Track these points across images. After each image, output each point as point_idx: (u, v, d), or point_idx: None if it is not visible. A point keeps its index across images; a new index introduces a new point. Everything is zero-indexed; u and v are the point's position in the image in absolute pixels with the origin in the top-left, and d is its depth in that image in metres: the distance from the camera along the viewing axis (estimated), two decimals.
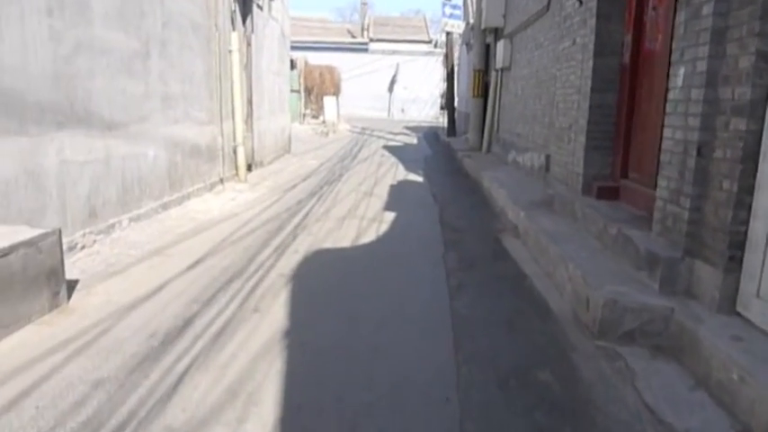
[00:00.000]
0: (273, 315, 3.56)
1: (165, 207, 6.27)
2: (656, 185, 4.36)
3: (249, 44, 9.25)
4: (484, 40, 12.99)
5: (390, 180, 9.58)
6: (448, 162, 12.78)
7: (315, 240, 5.45)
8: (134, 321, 3.42)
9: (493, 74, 11.84)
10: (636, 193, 4.75)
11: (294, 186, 8.73)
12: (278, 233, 5.70)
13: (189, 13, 6.88)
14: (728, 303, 3.02)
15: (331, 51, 33.35)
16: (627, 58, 5.04)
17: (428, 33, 38.21)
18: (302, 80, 20.45)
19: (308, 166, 11.11)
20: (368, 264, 4.75)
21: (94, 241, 4.93)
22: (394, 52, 36.13)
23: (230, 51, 8.36)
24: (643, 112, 4.80)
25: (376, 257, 4.96)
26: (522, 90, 9.26)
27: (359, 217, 6.58)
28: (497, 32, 11.71)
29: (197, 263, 4.65)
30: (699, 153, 3.18)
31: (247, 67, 9.27)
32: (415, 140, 18.76)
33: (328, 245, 5.32)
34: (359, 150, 14.74)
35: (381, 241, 5.52)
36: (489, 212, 7.08)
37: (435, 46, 37.45)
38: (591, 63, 5.20)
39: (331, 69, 23.98)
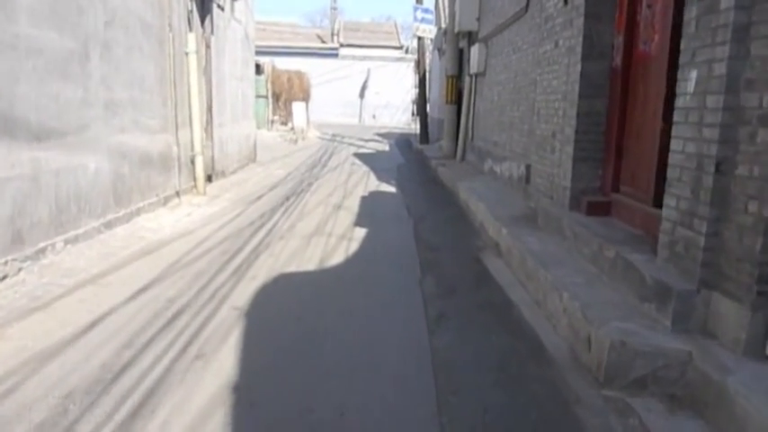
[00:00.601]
0: (220, 363, 2.98)
1: (109, 225, 5.62)
2: (654, 201, 3.93)
3: (208, 46, 8.63)
4: (457, 44, 12.59)
5: (362, 191, 9.05)
6: (421, 171, 12.33)
7: (277, 263, 4.88)
8: (50, 375, 2.81)
9: (467, 79, 11.44)
10: (630, 209, 4.32)
11: (258, 198, 8.13)
12: (236, 254, 5.11)
13: (137, 11, 6.25)
14: (756, 346, 2.57)
15: (300, 56, 32.75)
16: (618, 61, 4.62)
17: (399, 39, 37.92)
18: (269, 85, 19.80)
19: (275, 176, 10.50)
20: (335, 291, 4.20)
21: (20, 269, 4.27)
22: (365, 58, 35.72)
23: (187, 54, 7.74)
24: (637, 120, 4.38)
25: (345, 283, 4.42)
26: (499, 96, 8.85)
27: (327, 234, 6.03)
28: (471, 36, 11.32)
29: (138, 293, 4.04)
30: (717, 169, 2.73)
31: (207, 70, 8.65)
32: (387, 148, 18.28)
33: (292, 268, 4.76)
34: (329, 158, 14.18)
35: (351, 263, 4.98)
36: (467, 227, 6.60)
37: (407, 52, 37.16)
38: (578, 67, 4.77)
39: (300, 75, 23.37)
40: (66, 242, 4.90)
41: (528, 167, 6.78)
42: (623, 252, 3.57)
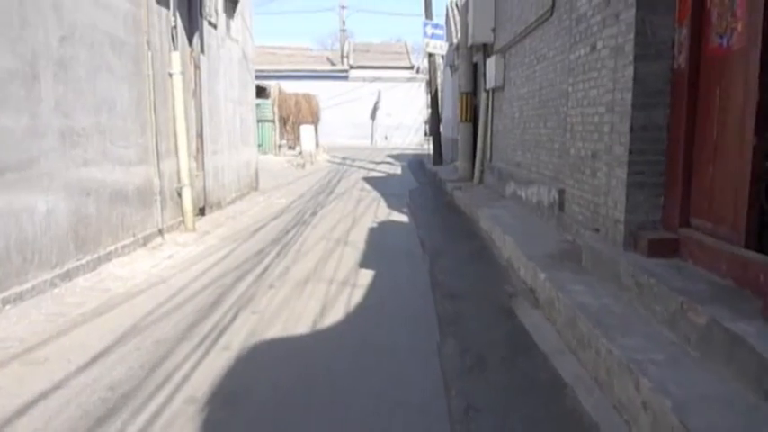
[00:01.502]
0: None
1: (67, 276, 4.73)
2: (747, 240, 2.93)
3: (197, 67, 7.83)
4: (471, 59, 11.72)
5: (370, 221, 8.11)
6: (436, 195, 11.36)
7: (259, 323, 3.93)
8: None
9: (483, 95, 10.53)
10: (711, 250, 3.31)
11: (253, 233, 7.22)
12: (211, 311, 4.18)
13: (104, 26, 5.44)
14: None
15: (310, 80, 32.23)
16: (682, 62, 3.66)
17: (410, 59, 37.31)
18: (276, 109, 19.10)
19: (276, 206, 9.62)
20: (328, 371, 3.23)
21: None
22: (375, 79, 35.07)
23: (171, 75, 6.92)
24: (712, 135, 3.40)
25: (343, 355, 3.44)
26: (521, 112, 7.91)
27: (326, 279, 5.07)
28: (486, 49, 10.44)
29: (74, 375, 3.12)
30: None
31: (196, 93, 7.83)
32: (398, 170, 17.38)
33: (276, 331, 3.81)
34: (336, 183, 13.30)
35: (352, 322, 4.00)
36: (493, 266, 5.60)
37: (417, 71, 36.52)
38: (630, 71, 3.82)
39: (308, 97, 22.68)
40: (5, 302, 4.01)
41: (561, 193, 5.80)
42: (721, 317, 2.57)
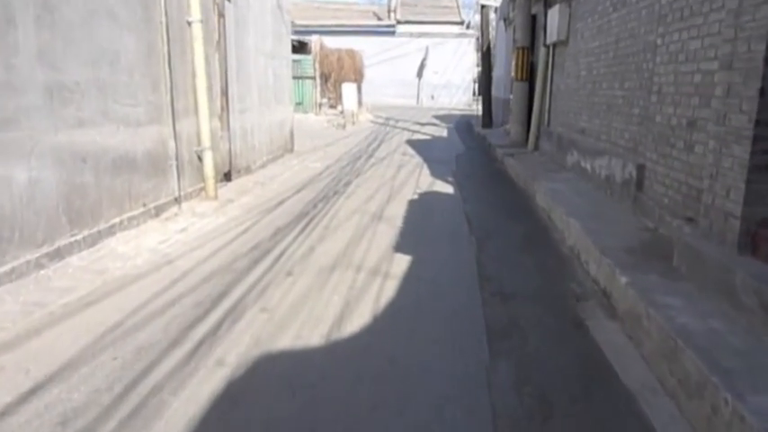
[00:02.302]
0: None
1: (57, 255, 4.11)
2: None
3: (222, 15, 7.01)
4: (529, 9, 10.48)
5: (410, 191, 7.27)
6: (485, 163, 10.35)
7: (267, 327, 3.21)
8: None
9: (542, 51, 9.36)
10: None
11: (281, 203, 6.50)
12: (214, 306, 3.48)
13: None
14: None
15: (355, 35, 31.04)
16: None
17: (460, 14, 35.49)
18: (317, 65, 18.20)
19: (310, 171, 8.87)
20: (343, 412, 2.47)
21: None
22: (423, 35, 33.54)
23: (189, 23, 6.15)
24: None
25: (362, 389, 2.66)
26: (589, 70, 6.81)
27: (354, 266, 4.30)
28: None
29: (24, 398, 2.47)
30: None
31: (220, 45, 7.04)
32: (444, 133, 16.33)
33: (286, 340, 3.07)
34: (377, 147, 12.43)
35: (379, 334, 3.21)
36: (553, 255, 4.70)
37: (468, 27, 34.71)
38: (766, 11, 2.79)
39: (352, 53, 21.63)
40: None
41: (640, 168, 4.80)
42: None
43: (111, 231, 4.81)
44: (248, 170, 8.27)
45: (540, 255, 4.68)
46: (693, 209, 3.74)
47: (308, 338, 3.08)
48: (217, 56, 7.01)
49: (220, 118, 7.17)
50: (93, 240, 4.55)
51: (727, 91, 3.12)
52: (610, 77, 5.94)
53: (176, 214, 5.82)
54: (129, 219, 5.10)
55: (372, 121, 19.74)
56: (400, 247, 4.80)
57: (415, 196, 6.99)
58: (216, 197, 6.58)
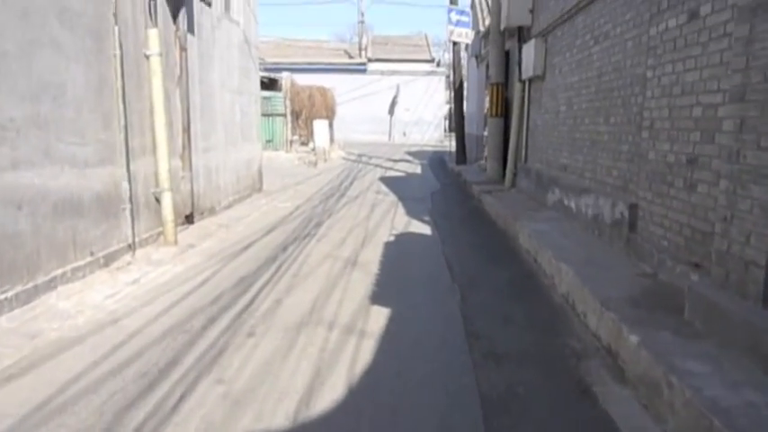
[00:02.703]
0: None
1: None
2: None
3: (184, 49, 6.61)
4: (503, 45, 10.37)
5: (385, 233, 6.85)
6: (462, 201, 10.02)
7: (221, 406, 2.70)
8: None
9: (516, 87, 9.19)
10: None
11: (246, 248, 6.01)
12: (159, 380, 2.96)
13: None
14: None
15: (326, 73, 30.97)
16: None
17: (430, 52, 35.96)
18: (288, 102, 17.90)
19: (279, 211, 8.41)
20: None
21: None
22: (394, 72, 33.75)
23: (148, 57, 5.73)
24: None
25: None
26: (569, 105, 6.58)
27: (325, 322, 3.83)
28: (522, 34, 9.09)
29: None
30: None
31: (182, 80, 6.62)
32: (418, 169, 16.08)
33: (244, 423, 2.56)
34: (350, 184, 12.05)
35: (356, 409, 2.73)
36: (545, 305, 4.29)
37: (438, 65, 35.10)
38: None
39: (323, 91, 21.44)
40: None
41: (633, 208, 4.48)
42: None
43: (50, 285, 4.25)
44: (213, 211, 7.77)
45: (530, 305, 4.27)
46: (700, 254, 3.40)
47: (271, 419, 2.59)
48: (178, 91, 6.58)
49: (182, 157, 6.70)
50: (27, 297, 3.98)
51: (739, 126, 2.81)
52: (593, 112, 5.69)
53: (129, 263, 5.28)
54: (74, 270, 4.54)
55: (345, 158, 19.43)
56: (377, 298, 4.35)
57: (391, 238, 6.57)
58: (175, 242, 6.06)
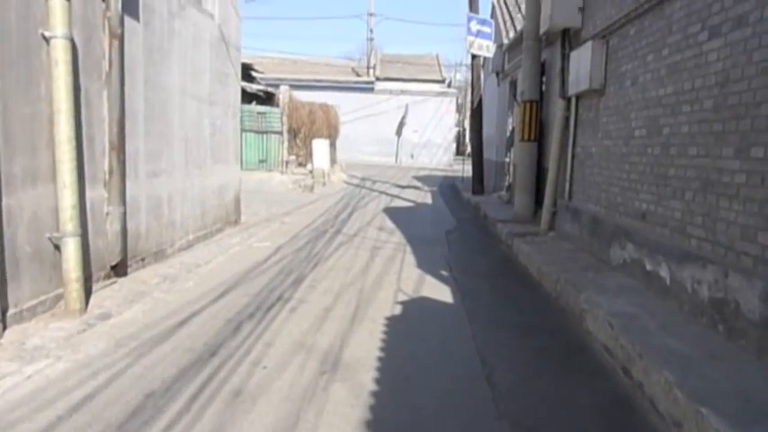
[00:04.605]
0: None
1: None
2: None
3: (117, 37, 4.75)
4: (539, 55, 8.52)
5: (388, 300, 4.91)
6: (487, 246, 8.02)
7: None
8: None
9: (558, 104, 7.31)
10: None
11: (183, 323, 4.09)
12: None
13: None
14: None
15: (332, 90, 29.36)
16: None
17: (441, 72, 34.32)
18: (285, 119, 16.09)
19: (253, 254, 6.49)
20: None
21: None
22: (403, 92, 32.07)
23: (47, 40, 3.90)
24: None
25: None
26: (653, 127, 4.67)
27: None
28: (567, 38, 7.23)
29: None
30: None
31: (112, 79, 4.75)
32: (429, 198, 14.15)
33: None
34: (348, 216, 10.13)
35: None
36: None
37: (449, 85, 33.41)
38: None
39: (326, 107, 19.64)
40: None
41: None
42: None
43: None
44: (161, 256, 5.85)
45: None
46: None
47: None
48: (106, 93, 4.72)
49: (108, 184, 4.80)
50: None
51: None
52: (707, 140, 3.77)
53: None
54: None
55: (346, 182, 17.56)
56: None
57: (396, 310, 4.62)
58: (82, 309, 4.15)
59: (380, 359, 3.52)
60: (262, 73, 21.71)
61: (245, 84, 16.53)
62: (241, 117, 16.18)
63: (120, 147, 4.90)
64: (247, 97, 16.90)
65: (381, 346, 3.74)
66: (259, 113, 16.07)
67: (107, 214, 4.80)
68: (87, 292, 4.44)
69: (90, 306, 4.32)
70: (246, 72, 17.98)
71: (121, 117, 4.91)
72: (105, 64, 4.71)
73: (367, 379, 3.23)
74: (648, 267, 4.49)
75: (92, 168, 4.57)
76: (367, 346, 3.72)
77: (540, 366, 3.53)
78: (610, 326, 3.63)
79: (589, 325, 4.06)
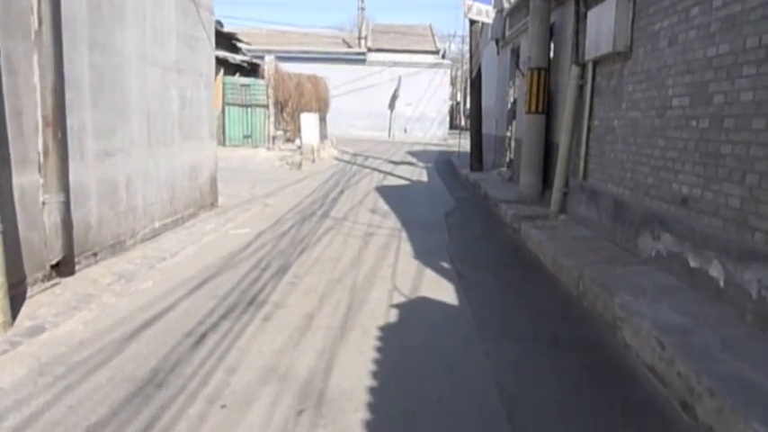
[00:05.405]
0: None
1: None
2: None
3: None
4: (548, 16, 7.67)
5: (382, 300, 4.17)
6: (491, 231, 7.24)
7: None
8: None
9: (571, 72, 6.50)
10: None
11: (132, 338, 3.34)
12: None
13: None
14: None
15: (322, 62, 28.23)
16: None
17: (435, 42, 33.13)
18: (271, 91, 15.15)
19: (228, 243, 5.73)
20: None
21: None
22: (395, 63, 30.97)
23: None
24: None
25: None
26: (698, 95, 3.89)
27: None
28: None
29: None
30: None
31: (43, 37, 3.90)
32: (424, 175, 13.36)
33: None
34: (338, 196, 9.35)
35: None
36: None
37: (443, 57, 32.29)
38: None
39: (314, 79, 18.67)
40: None
41: None
42: None
43: None
44: (119, 248, 5.07)
45: None
46: None
47: None
48: (36, 57, 3.87)
49: (44, 167, 3.99)
50: None
51: None
52: None
53: None
54: None
55: (337, 158, 16.71)
56: None
57: (391, 315, 3.88)
58: (7, 323, 3.38)
59: (372, 391, 2.79)
60: (248, 44, 20.62)
61: (227, 54, 15.55)
62: (224, 89, 15.32)
63: (57, 122, 4.07)
64: (231, 69, 15.94)
65: (374, 370, 3.00)
66: (243, 85, 15.14)
67: (43, 203, 4.00)
68: (20, 299, 3.69)
69: (20, 317, 3.55)
70: (230, 42, 16.96)
71: (59, 86, 4.07)
72: (34, 20, 3.86)
73: (355, 421, 2.50)
74: (693, 264, 3.76)
75: (20, 148, 3.75)
76: (356, 371, 2.98)
77: (574, 400, 2.80)
78: (659, 344, 2.90)
79: (627, 337, 3.33)
